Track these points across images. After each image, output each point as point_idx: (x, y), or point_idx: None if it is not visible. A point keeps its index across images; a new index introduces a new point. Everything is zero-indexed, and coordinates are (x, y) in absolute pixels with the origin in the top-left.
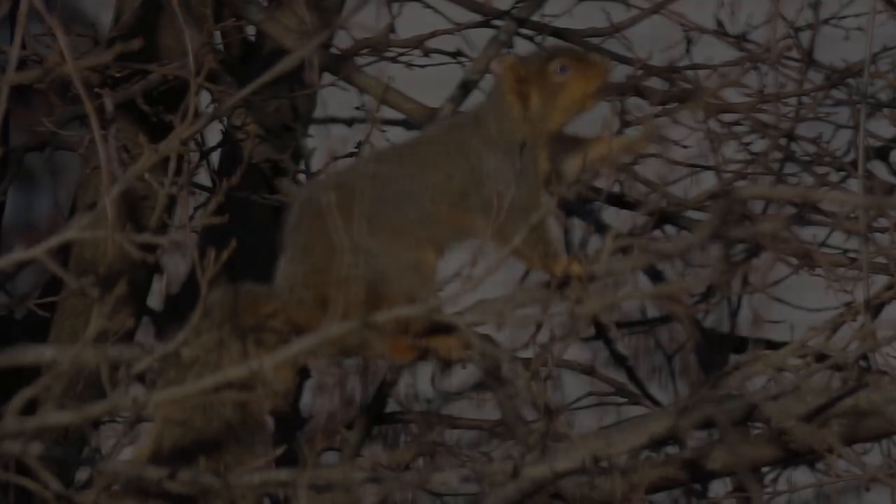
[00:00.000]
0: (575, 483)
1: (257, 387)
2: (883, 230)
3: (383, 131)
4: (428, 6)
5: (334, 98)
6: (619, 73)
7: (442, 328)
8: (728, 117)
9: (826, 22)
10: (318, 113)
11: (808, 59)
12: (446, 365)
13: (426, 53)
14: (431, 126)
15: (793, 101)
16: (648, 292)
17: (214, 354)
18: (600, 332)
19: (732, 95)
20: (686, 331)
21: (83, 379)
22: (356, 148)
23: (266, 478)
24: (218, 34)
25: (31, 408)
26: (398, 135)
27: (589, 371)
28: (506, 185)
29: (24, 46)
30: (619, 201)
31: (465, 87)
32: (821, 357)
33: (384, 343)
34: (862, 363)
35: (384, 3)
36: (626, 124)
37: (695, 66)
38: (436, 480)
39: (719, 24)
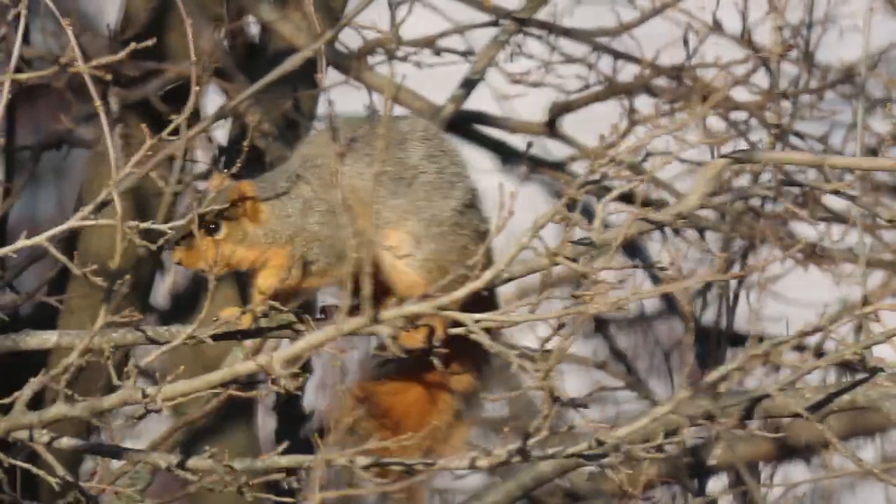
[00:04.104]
0: (584, 478)
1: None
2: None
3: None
4: (428, 6)
5: (338, 96)
6: (628, 72)
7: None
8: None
9: (824, 20)
10: (322, 110)
11: (809, 58)
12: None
13: (437, 53)
14: None
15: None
16: (650, 291)
17: None
18: (600, 329)
19: (736, 93)
20: (685, 327)
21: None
22: None
23: (271, 464)
24: (224, 33)
25: (37, 397)
26: None
27: (600, 366)
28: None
29: (27, 42)
30: (623, 198)
31: (468, 86)
32: (819, 353)
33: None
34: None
35: (389, 4)
36: (634, 123)
37: (702, 65)
38: (441, 465)
39: (716, 23)
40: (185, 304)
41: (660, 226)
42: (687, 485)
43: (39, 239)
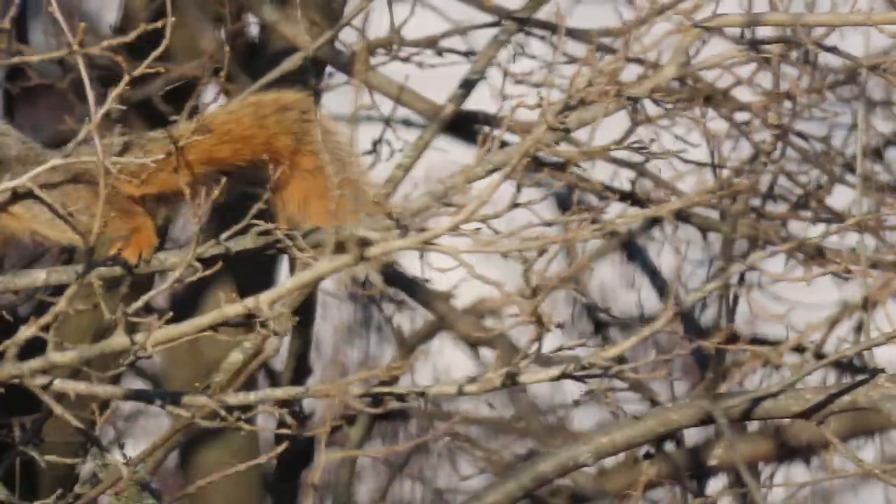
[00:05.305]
0: (586, 477)
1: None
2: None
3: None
4: (429, 6)
5: (339, 96)
6: (630, 72)
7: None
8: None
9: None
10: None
11: (809, 58)
12: None
13: (439, 53)
14: None
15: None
16: (636, 214)
17: None
18: (598, 330)
19: (739, 93)
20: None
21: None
22: (373, 147)
23: (265, 396)
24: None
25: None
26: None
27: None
28: None
29: (22, 40)
30: (627, 197)
31: (467, 86)
32: (819, 354)
33: None
34: (858, 360)
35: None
36: (637, 124)
37: (704, 66)
38: (434, 391)
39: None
40: (185, 306)
41: (635, 100)
42: (687, 485)
43: (23, 180)
